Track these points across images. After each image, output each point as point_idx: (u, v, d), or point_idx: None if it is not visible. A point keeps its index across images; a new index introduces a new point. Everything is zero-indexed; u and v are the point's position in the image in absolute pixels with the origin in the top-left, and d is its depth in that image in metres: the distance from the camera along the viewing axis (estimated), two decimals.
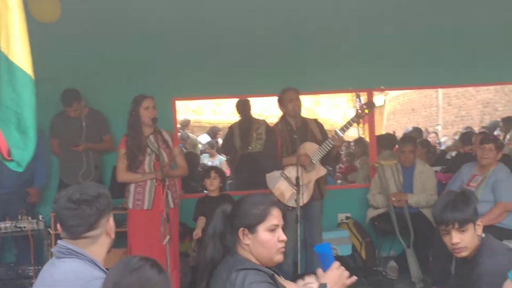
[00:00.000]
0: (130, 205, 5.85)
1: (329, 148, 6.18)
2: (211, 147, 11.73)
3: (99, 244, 2.88)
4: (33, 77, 3.21)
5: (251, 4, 7.25)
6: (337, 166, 10.25)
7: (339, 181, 9.80)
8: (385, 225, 7.09)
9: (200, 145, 12.28)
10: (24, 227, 6.09)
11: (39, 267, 4.91)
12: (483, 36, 7.65)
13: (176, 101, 7.71)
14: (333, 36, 7.58)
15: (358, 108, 6.56)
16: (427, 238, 6.50)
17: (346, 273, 3.06)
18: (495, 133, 10.21)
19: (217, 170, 6.73)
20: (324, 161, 6.46)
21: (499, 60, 7.69)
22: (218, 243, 3.09)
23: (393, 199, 6.98)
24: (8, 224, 6.09)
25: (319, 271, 3.08)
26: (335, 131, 6.30)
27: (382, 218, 7.16)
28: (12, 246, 6.92)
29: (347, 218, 7.65)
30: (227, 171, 9.05)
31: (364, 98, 7.32)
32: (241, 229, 3.05)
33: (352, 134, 12.78)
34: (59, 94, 6.89)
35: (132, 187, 5.87)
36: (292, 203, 5.97)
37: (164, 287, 2.48)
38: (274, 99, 6.66)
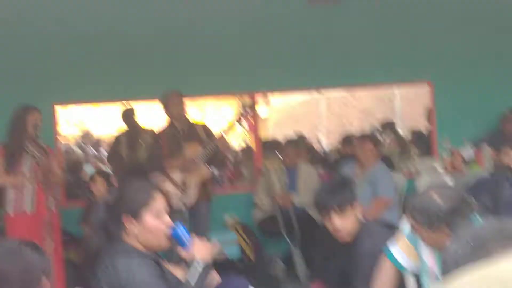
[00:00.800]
0: (11, 211, 5.70)
1: (213, 149, 6.27)
2: (100, 161, 11.58)
3: None
4: None
5: (133, 7, 7.26)
6: (224, 174, 10.33)
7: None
8: (272, 226, 7.22)
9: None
10: None
11: None
12: (358, 40, 7.97)
13: (55, 106, 7.52)
14: (215, 40, 7.67)
15: (241, 110, 6.70)
16: (313, 237, 6.68)
17: (207, 241, 3.19)
18: None
19: (103, 174, 6.67)
20: (212, 164, 6.56)
21: (375, 62, 8.02)
22: (103, 232, 3.09)
23: (279, 200, 7.14)
24: None
25: (182, 251, 3.14)
26: (220, 133, 6.42)
27: (268, 219, 7.28)
28: None
29: (234, 221, 7.74)
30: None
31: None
32: (126, 216, 3.04)
33: (239, 142, 12.94)
34: None
35: (10, 192, 5.73)
36: (177, 205, 6.01)
37: (44, 268, 2.47)
38: (159, 107, 6.69)
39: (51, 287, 2.56)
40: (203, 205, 6.48)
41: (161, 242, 3.11)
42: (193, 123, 6.67)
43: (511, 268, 1.46)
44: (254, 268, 7.09)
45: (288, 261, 7.16)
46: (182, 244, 3.14)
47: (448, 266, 1.64)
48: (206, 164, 6.37)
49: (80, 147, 11.97)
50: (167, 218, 3.10)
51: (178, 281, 3.05)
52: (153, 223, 3.05)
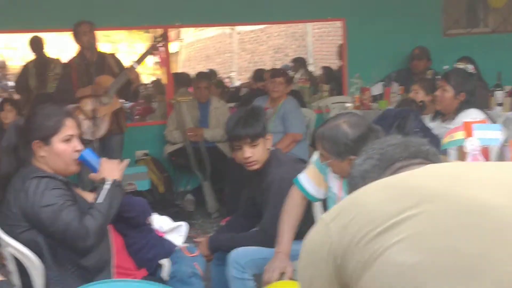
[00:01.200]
0: None
1: (124, 79, 6.20)
2: (3, 91, 11.20)
3: None
4: None
5: None
6: (135, 109, 10.23)
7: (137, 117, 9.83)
8: (182, 160, 7.27)
9: None
10: None
11: None
12: None
13: None
14: None
15: (153, 43, 6.61)
16: (223, 171, 6.76)
17: (116, 160, 3.23)
18: None
19: (12, 102, 6.50)
20: (123, 97, 6.49)
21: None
22: (12, 156, 3.07)
23: (190, 134, 7.15)
24: None
25: (92, 174, 3.18)
26: (131, 63, 6.34)
27: (179, 153, 7.31)
28: None
29: (145, 154, 7.71)
30: None
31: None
32: (36, 141, 3.04)
33: (150, 76, 12.78)
34: None
35: None
36: (88, 136, 5.93)
37: None
38: (66, 37, 6.52)
39: None
40: (115, 138, 6.44)
41: (70, 166, 3.12)
42: (104, 54, 6.55)
43: (411, 178, 1.54)
44: (164, 200, 7.12)
45: (198, 195, 7.23)
46: (91, 168, 3.15)
47: (355, 180, 1.70)
48: (117, 95, 6.29)
49: None
50: (76, 143, 3.10)
51: (88, 204, 3.05)
52: (62, 147, 3.06)
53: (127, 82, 6.30)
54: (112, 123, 6.33)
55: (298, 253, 3.15)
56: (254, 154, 3.66)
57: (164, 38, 6.56)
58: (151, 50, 6.48)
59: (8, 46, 14.74)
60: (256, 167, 3.70)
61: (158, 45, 6.48)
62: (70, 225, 2.88)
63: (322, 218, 1.55)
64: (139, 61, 6.30)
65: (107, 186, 3.05)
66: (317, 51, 14.09)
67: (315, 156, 3.39)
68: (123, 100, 6.76)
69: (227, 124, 3.79)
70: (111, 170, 3.14)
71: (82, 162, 3.14)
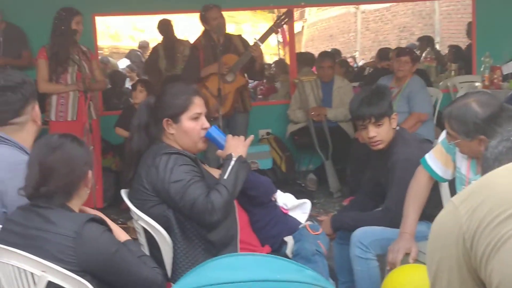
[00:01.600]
0: (53, 117, 5.83)
1: (248, 57, 6.28)
2: (132, 71, 11.60)
3: (26, 131, 2.89)
4: None
5: None
6: (258, 88, 10.35)
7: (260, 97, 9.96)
8: (305, 139, 7.28)
9: (120, 70, 12.13)
10: None
11: None
12: None
13: (96, 17, 7.57)
14: None
15: (277, 19, 6.65)
16: (345, 151, 6.73)
17: (242, 136, 3.27)
18: None
19: (144, 83, 6.73)
20: (249, 75, 6.58)
21: None
22: (144, 133, 3.18)
23: (313, 113, 7.15)
24: None
25: (218, 151, 3.24)
26: (255, 41, 6.40)
27: (301, 133, 7.33)
28: None
29: (267, 133, 7.79)
30: None
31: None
32: (165, 119, 3.14)
33: (272, 56, 12.90)
34: None
35: (54, 100, 5.83)
36: (213, 113, 6.04)
37: (86, 160, 2.57)
38: (194, 19, 6.64)
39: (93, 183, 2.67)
40: (240, 116, 6.55)
41: (197, 144, 3.20)
42: (230, 35, 6.65)
43: None
44: (286, 179, 7.18)
45: (320, 174, 7.23)
46: (218, 144, 3.23)
47: (488, 162, 1.65)
48: (241, 73, 6.39)
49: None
50: (203, 121, 3.18)
51: (215, 179, 3.12)
52: (190, 125, 3.14)
53: (251, 61, 6.37)
54: (236, 101, 6.44)
55: (423, 234, 3.12)
56: (379, 133, 3.61)
57: (288, 16, 6.56)
58: (275, 28, 6.51)
59: (136, 28, 15.31)
60: (381, 146, 3.66)
61: (281, 23, 6.50)
62: (197, 200, 2.95)
63: (451, 200, 1.53)
64: (262, 39, 6.36)
65: (232, 162, 3.10)
66: (444, 30, 13.71)
67: (442, 136, 3.31)
68: (248, 79, 6.83)
69: (351, 103, 3.76)
70: (236, 146, 3.19)
71: (209, 139, 3.22)
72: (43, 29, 5.97)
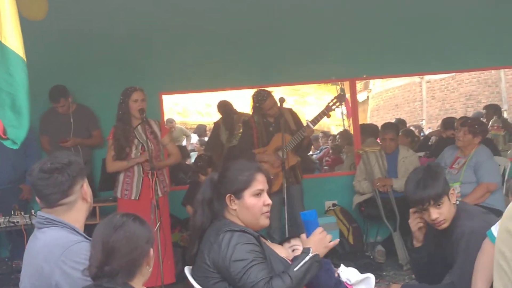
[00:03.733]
0: (119, 195, 5.98)
1: (300, 138, 6.44)
2: (201, 145, 11.88)
3: (76, 210, 2.95)
4: (25, 59, 3.32)
5: (233, 3, 7.45)
6: (324, 160, 10.39)
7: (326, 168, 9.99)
8: (371, 210, 7.22)
9: (185, 137, 12.47)
10: (17, 222, 6.14)
11: None
12: (462, 22, 7.82)
13: (162, 95, 7.83)
14: (313, 26, 7.73)
15: (329, 101, 6.73)
16: None
17: (329, 236, 3.21)
18: None
19: (208, 160, 6.90)
20: (296, 150, 6.67)
21: (477, 45, 7.84)
22: (207, 209, 3.24)
23: (378, 184, 7.10)
24: (1, 219, 6.14)
25: (303, 236, 3.24)
26: (307, 122, 6.54)
27: (368, 204, 7.28)
28: (6, 242, 6.99)
29: (333, 205, 7.77)
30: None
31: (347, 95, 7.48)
32: (228, 195, 3.19)
33: (337, 127, 12.95)
34: (47, 92, 7.01)
35: (121, 177, 5.99)
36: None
37: (148, 238, 2.62)
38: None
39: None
40: (294, 188, 6.62)
41: (259, 220, 3.23)
42: (282, 110, 6.74)
43: None
44: (354, 251, 7.10)
45: (389, 245, 7.12)
46: (307, 229, 3.23)
47: None
48: (293, 151, 6.52)
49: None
50: (265, 198, 3.22)
51: (279, 258, 3.13)
52: (252, 201, 3.19)
53: (303, 138, 6.50)
54: (289, 177, 6.50)
55: None
56: (441, 213, 3.57)
57: (340, 100, 6.63)
58: (327, 112, 6.58)
59: (206, 104, 15.65)
60: (445, 225, 3.61)
61: (333, 107, 6.58)
62: (258, 284, 2.94)
63: None
64: (314, 121, 6.48)
65: (307, 258, 3.09)
66: (511, 97, 13.55)
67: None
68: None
69: (406, 188, 3.71)
70: (318, 243, 3.17)
71: (303, 220, 3.23)
72: (114, 109, 6.14)
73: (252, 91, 6.90)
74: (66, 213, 2.92)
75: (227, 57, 7.69)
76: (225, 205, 3.21)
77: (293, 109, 7.28)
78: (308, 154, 9.29)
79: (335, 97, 6.77)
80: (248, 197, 3.19)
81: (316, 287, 3.27)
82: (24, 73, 3.31)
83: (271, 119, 6.61)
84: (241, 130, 7.92)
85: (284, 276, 2.99)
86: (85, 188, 2.99)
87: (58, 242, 2.80)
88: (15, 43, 3.27)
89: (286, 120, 6.61)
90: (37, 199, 2.99)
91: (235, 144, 8.01)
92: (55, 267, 2.74)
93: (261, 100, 6.64)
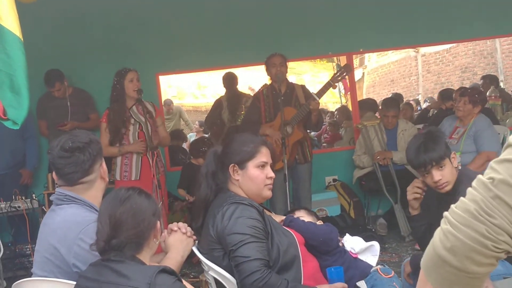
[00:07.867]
0: (118, 177, 5.96)
1: (306, 111, 6.32)
2: (200, 126, 11.89)
3: (95, 188, 2.99)
4: (22, 39, 3.30)
5: None
6: (322, 136, 10.37)
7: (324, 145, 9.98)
8: (372, 183, 7.25)
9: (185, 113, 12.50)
10: (19, 206, 6.17)
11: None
12: None
13: (159, 76, 7.80)
14: (309, 2, 7.73)
15: (336, 72, 6.68)
16: None
17: None
18: None
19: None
20: (305, 126, 6.61)
21: (473, 16, 7.83)
22: (211, 181, 3.24)
23: (378, 157, 7.12)
24: (2, 205, 6.16)
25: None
26: (312, 94, 6.43)
27: (368, 177, 7.31)
28: (8, 227, 6.99)
29: (334, 180, 7.79)
30: None
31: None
32: (232, 165, 3.20)
33: (334, 104, 12.93)
34: (43, 76, 6.97)
35: (118, 160, 5.98)
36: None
37: (154, 210, 2.62)
38: (259, 74, 6.75)
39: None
40: (302, 167, 6.55)
41: (262, 192, 3.24)
42: (293, 85, 6.70)
43: None
44: (356, 225, 7.12)
45: (390, 218, 7.15)
46: (330, 281, 3.18)
47: None
48: (298, 126, 6.42)
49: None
50: (269, 171, 3.24)
51: (283, 230, 3.15)
52: (256, 172, 3.20)
53: (308, 113, 6.40)
54: (296, 153, 6.48)
55: (499, 273, 3.04)
56: (443, 175, 3.56)
57: (346, 70, 6.56)
58: (332, 83, 6.51)
59: (200, 85, 15.61)
60: (448, 187, 3.60)
61: (339, 77, 6.51)
62: (251, 263, 2.92)
63: None
64: (320, 93, 6.37)
65: None
66: (508, 68, 13.53)
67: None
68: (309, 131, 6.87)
69: (407, 153, 3.70)
70: None
71: (329, 277, 3.17)
72: (109, 91, 6.12)
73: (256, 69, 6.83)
74: (86, 191, 2.96)
75: (222, 35, 7.66)
76: (229, 175, 3.22)
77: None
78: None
79: (342, 67, 6.74)
80: (252, 168, 3.20)
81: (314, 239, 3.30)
82: (22, 53, 3.30)
83: (282, 87, 6.44)
84: (243, 112, 7.90)
85: (284, 280, 2.97)
86: (104, 166, 3.04)
87: (77, 220, 2.84)
88: (12, 24, 3.26)
89: (297, 94, 6.57)
90: (54, 176, 3.01)
91: (237, 125, 7.99)
92: (72, 244, 2.78)
93: (270, 56, 6.56)
